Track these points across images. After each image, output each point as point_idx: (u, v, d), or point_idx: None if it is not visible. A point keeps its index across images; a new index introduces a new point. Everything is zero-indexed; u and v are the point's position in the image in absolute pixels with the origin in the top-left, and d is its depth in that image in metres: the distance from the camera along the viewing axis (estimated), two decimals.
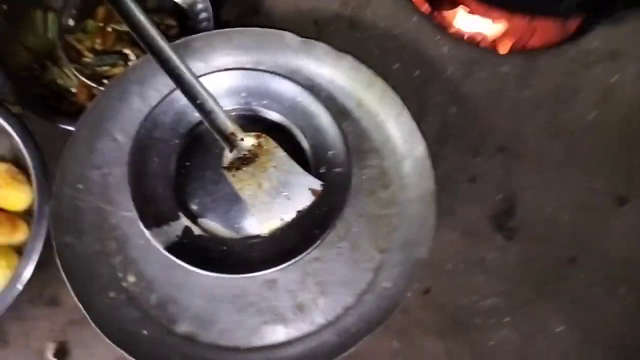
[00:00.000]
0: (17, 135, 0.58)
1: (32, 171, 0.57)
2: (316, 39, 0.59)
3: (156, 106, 0.53)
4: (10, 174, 0.58)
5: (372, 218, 0.55)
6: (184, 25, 0.72)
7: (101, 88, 0.67)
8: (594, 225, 0.66)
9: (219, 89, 0.54)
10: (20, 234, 0.58)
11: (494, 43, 0.76)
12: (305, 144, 0.54)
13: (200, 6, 0.71)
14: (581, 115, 0.66)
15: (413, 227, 0.54)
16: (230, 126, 0.51)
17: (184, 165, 0.53)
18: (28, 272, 0.55)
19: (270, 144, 0.51)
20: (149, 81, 0.57)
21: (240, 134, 0.51)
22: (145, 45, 0.50)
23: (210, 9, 0.70)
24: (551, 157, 0.67)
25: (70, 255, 0.51)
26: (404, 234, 0.54)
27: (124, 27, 0.63)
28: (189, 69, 0.51)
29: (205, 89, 0.51)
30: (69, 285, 0.50)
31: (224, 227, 0.51)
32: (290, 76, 0.56)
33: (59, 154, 0.55)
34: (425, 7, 0.73)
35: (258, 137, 0.51)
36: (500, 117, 0.68)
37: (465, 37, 0.70)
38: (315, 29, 0.73)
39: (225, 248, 0.50)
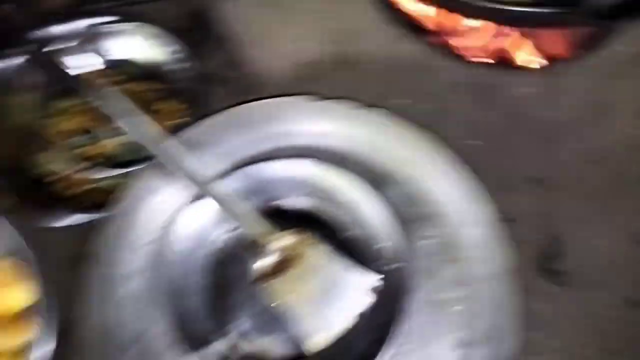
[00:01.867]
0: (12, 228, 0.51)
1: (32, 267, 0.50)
2: (339, 97, 0.53)
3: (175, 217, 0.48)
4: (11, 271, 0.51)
5: (438, 305, 0.45)
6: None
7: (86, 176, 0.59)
8: None
9: (239, 188, 0.48)
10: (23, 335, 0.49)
11: (508, 58, 0.68)
12: (346, 234, 0.48)
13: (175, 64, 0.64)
14: (620, 135, 0.58)
15: (491, 313, 0.44)
16: (259, 229, 0.45)
17: (217, 279, 0.47)
18: None
19: (308, 240, 0.45)
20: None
21: (271, 236, 0.44)
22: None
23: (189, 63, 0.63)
24: (595, 185, 0.59)
25: None
26: (481, 323, 0.44)
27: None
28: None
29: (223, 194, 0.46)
30: None
31: (271, 346, 0.44)
32: (317, 148, 0.50)
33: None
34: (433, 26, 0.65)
35: (293, 235, 0.45)
36: (530, 146, 0.60)
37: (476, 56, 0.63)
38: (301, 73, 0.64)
39: None
